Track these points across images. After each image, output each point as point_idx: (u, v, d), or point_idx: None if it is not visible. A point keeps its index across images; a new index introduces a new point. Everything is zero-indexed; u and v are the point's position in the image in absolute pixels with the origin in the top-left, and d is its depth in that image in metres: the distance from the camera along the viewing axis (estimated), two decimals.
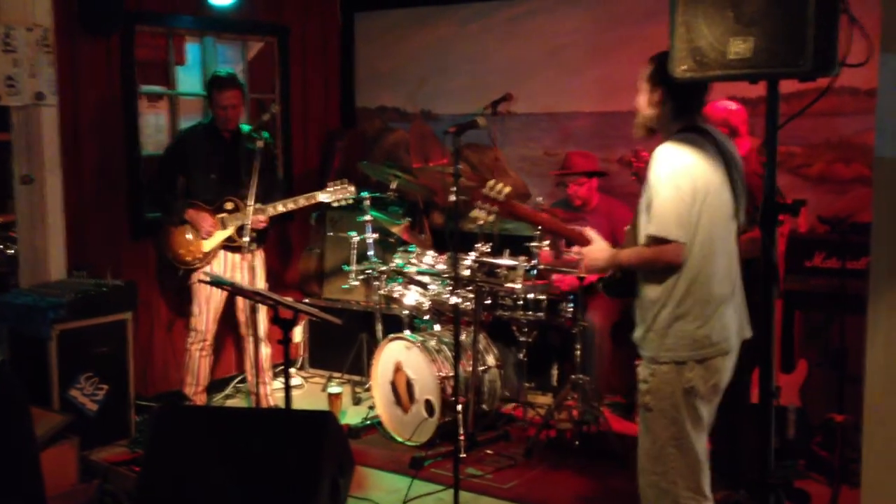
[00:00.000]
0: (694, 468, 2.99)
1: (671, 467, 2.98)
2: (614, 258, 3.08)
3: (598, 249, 3.16)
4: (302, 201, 5.08)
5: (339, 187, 5.09)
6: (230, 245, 5.13)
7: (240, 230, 5.00)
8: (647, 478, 3.06)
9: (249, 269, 4.95)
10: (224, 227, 5.09)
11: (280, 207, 5.05)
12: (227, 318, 5.37)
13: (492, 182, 3.33)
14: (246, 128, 5.23)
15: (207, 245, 5.09)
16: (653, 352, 3.00)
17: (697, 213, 2.88)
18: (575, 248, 3.25)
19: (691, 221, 2.86)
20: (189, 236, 5.09)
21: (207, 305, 5.14)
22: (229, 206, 5.10)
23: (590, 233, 3.22)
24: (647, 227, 2.92)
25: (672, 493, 2.99)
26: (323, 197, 5.08)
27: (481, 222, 3.35)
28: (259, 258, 5.23)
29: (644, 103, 3.03)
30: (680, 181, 2.85)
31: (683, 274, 2.91)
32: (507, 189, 3.29)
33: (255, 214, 4.91)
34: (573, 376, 4.71)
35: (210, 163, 5.13)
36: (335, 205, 5.15)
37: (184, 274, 5.18)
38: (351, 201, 5.15)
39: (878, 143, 3.15)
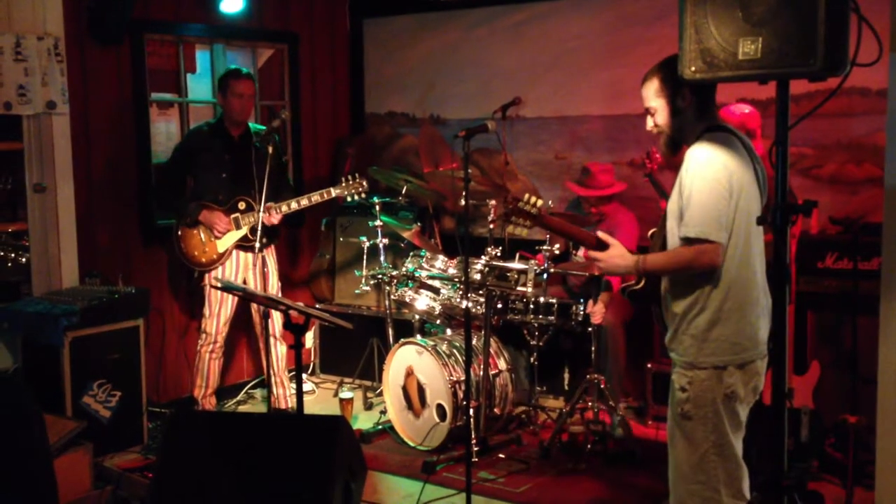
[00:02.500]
0: (735, 474, 2.93)
1: (713, 475, 2.91)
2: (639, 263, 2.97)
3: (618, 255, 3.04)
4: (316, 198, 5.08)
5: (352, 182, 5.10)
6: (244, 245, 5.14)
7: (253, 229, 5.04)
8: (687, 487, 2.96)
9: (262, 269, 4.96)
10: (238, 226, 5.10)
11: (294, 205, 5.04)
12: (241, 322, 5.39)
13: (527, 195, 3.24)
14: (254, 127, 5.25)
15: (222, 245, 5.10)
16: (691, 357, 2.91)
17: (733, 214, 2.82)
18: (590, 254, 3.11)
19: (729, 223, 2.81)
20: (202, 237, 5.10)
21: (219, 308, 5.15)
22: (242, 205, 5.11)
23: (605, 236, 3.11)
24: (683, 230, 2.83)
25: (715, 501, 2.92)
26: (336, 192, 5.09)
27: (521, 232, 3.33)
28: (271, 257, 5.25)
29: (666, 117, 2.96)
30: (718, 181, 2.78)
31: (722, 277, 2.85)
32: (540, 202, 3.22)
33: (268, 212, 4.94)
34: (588, 376, 4.69)
35: (220, 162, 5.14)
36: (349, 199, 5.14)
37: (199, 276, 5.19)
38: (364, 195, 5.14)
39: (888, 138, 3.16)
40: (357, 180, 5.09)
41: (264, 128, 5.32)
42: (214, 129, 5.21)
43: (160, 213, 5.49)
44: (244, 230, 5.11)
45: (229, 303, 5.17)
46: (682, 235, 2.84)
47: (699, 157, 2.83)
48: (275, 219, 5.04)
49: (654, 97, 2.97)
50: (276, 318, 5.13)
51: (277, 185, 5.13)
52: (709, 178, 2.79)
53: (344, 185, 5.10)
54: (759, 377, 2.95)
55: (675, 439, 3.00)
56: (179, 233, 5.11)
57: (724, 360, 2.87)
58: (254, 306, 5.25)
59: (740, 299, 2.87)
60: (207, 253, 5.10)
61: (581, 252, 5.23)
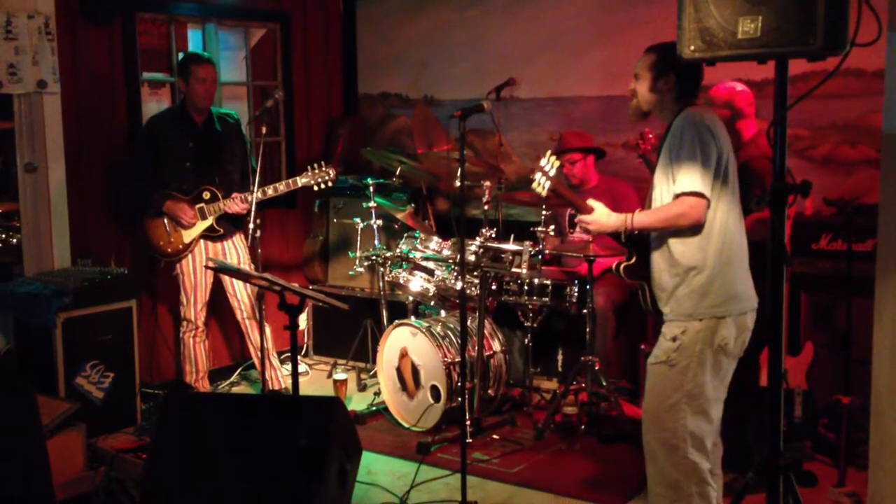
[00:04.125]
0: (702, 428, 3.10)
1: (681, 424, 3.08)
2: (626, 221, 3.20)
3: (603, 214, 3.30)
4: (282, 187, 5.00)
5: (317, 170, 5.02)
6: (210, 235, 5.11)
7: (220, 219, 5.04)
8: (656, 434, 3.16)
9: (247, 254, 4.91)
10: (203, 217, 5.07)
11: (260, 195, 4.92)
12: (221, 305, 5.37)
13: (548, 153, 3.40)
14: (217, 111, 5.21)
15: (188, 236, 5.06)
16: (689, 309, 3.09)
17: (722, 174, 3.06)
18: (579, 217, 3.37)
19: (713, 183, 3.02)
20: (167, 228, 5.06)
21: (194, 294, 5.14)
22: (206, 195, 5.05)
23: (591, 202, 3.36)
24: (676, 187, 3.03)
25: (681, 450, 3.09)
26: (303, 181, 5.03)
27: (539, 190, 3.39)
28: (241, 243, 5.20)
29: (645, 89, 3.21)
30: (706, 144, 3.01)
31: (716, 234, 3.06)
32: (558, 163, 3.36)
33: (234, 201, 4.96)
34: (583, 358, 4.70)
35: (184, 150, 5.07)
36: (315, 188, 5.06)
37: (165, 266, 5.17)
38: (331, 184, 5.08)
39: (886, 119, 3.15)
40: (323, 168, 5.01)
41: (228, 111, 5.27)
42: (177, 116, 5.14)
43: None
44: (210, 220, 5.06)
45: (203, 287, 5.15)
46: (677, 191, 3.03)
47: (689, 124, 3.05)
48: (237, 206, 4.98)
49: (645, 68, 3.21)
50: (245, 300, 5.15)
51: (244, 172, 5.11)
52: (697, 143, 3.01)
53: (310, 173, 5.02)
54: (748, 332, 3.16)
55: (650, 389, 3.19)
56: (145, 225, 5.07)
57: (723, 310, 3.06)
58: (229, 290, 5.23)
59: (735, 253, 3.10)
60: (173, 243, 5.06)
61: (577, 231, 5.24)
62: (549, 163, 3.36)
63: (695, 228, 3.05)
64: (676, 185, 3.03)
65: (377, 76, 6.69)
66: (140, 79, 5.50)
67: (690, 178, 2.99)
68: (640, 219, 3.18)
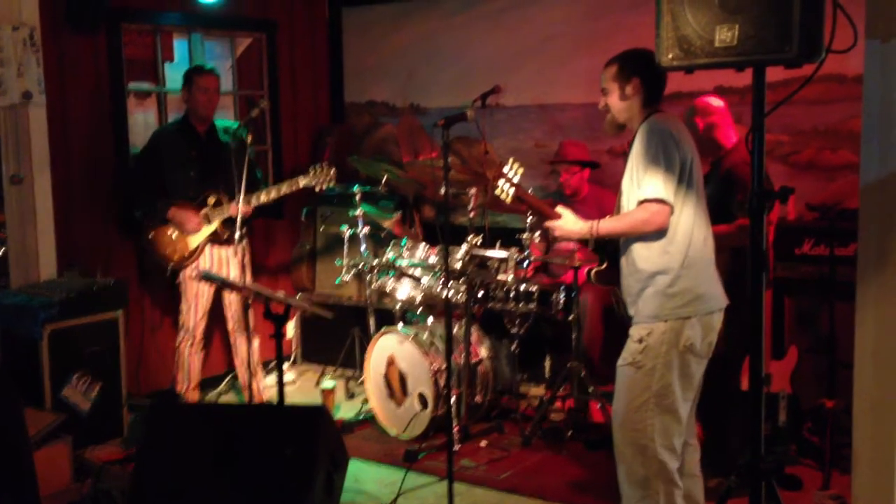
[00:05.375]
0: (670, 428, 3.14)
1: (649, 424, 3.12)
2: (591, 228, 3.24)
3: (569, 221, 3.32)
4: (284, 188, 5.01)
5: (320, 171, 5.04)
6: (217, 240, 5.11)
7: (225, 223, 5.02)
8: (625, 434, 3.19)
9: (239, 264, 4.93)
10: (209, 221, 5.07)
11: (263, 197, 4.95)
12: (216, 314, 5.36)
13: (511, 160, 3.42)
14: (220, 123, 5.22)
15: (194, 241, 5.06)
16: (655, 310, 3.12)
17: (686, 180, 3.09)
18: (547, 223, 3.40)
19: (677, 189, 3.06)
20: (172, 235, 5.07)
21: (196, 302, 5.12)
22: (212, 200, 5.06)
23: (558, 208, 3.38)
24: (640, 193, 3.07)
25: (650, 449, 3.13)
26: (305, 181, 5.03)
27: (504, 197, 3.40)
28: (246, 251, 5.20)
29: (616, 99, 3.26)
30: (668, 150, 3.05)
31: (680, 239, 3.10)
32: (521, 170, 3.39)
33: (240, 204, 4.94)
34: (569, 364, 4.71)
35: (187, 160, 5.08)
36: (318, 189, 5.08)
37: (172, 273, 5.17)
38: (332, 184, 5.09)
39: (864, 125, 3.19)
40: (325, 169, 5.04)
41: (229, 123, 5.29)
42: (180, 127, 5.17)
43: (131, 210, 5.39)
44: (215, 225, 5.07)
45: (205, 296, 5.14)
46: (641, 198, 3.08)
47: (651, 132, 3.11)
48: (244, 208, 4.97)
49: (609, 80, 3.27)
50: (251, 314, 5.13)
51: (249, 180, 5.10)
52: (661, 149, 3.06)
53: (312, 174, 5.03)
54: (715, 332, 3.19)
55: (619, 390, 3.22)
56: (151, 234, 5.07)
57: (689, 310, 3.10)
58: (225, 301, 5.23)
59: (699, 254, 3.13)
60: (179, 250, 5.06)
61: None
62: (513, 169, 3.37)
63: (659, 233, 3.10)
64: (640, 191, 3.08)
65: (364, 84, 6.71)
66: (126, 89, 5.50)
67: (654, 185, 3.04)
68: (606, 225, 3.23)
